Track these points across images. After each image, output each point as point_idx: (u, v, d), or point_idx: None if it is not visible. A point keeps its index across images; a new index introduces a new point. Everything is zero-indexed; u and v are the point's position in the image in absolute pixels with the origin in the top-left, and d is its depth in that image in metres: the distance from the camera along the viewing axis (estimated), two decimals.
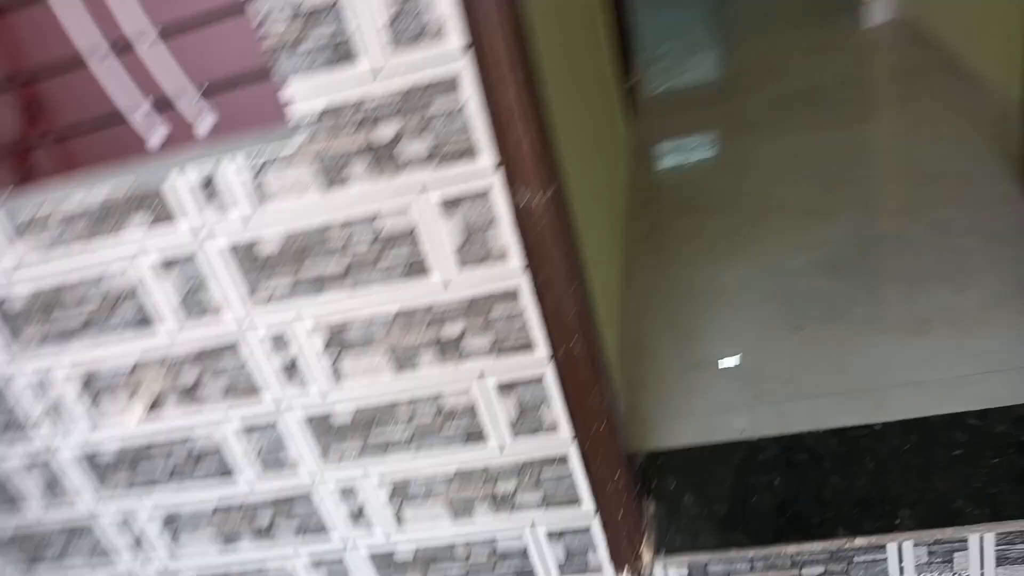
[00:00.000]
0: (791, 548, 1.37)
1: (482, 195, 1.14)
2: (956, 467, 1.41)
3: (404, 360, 1.27)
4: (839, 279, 2.01)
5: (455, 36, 1.03)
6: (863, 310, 1.88)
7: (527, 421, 1.32)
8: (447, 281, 1.21)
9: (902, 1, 3.54)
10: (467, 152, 1.11)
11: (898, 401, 1.59)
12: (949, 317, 1.79)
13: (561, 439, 1.33)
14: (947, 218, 2.11)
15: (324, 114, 1.10)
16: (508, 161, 1.11)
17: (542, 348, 1.26)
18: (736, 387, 1.76)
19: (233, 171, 1.15)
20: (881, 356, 1.73)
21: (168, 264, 1.23)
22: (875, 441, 1.51)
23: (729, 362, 1.84)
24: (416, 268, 1.20)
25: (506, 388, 1.30)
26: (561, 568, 1.44)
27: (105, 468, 1.44)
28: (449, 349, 1.26)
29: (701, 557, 1.41)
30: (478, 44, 1.04)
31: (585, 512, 1.38)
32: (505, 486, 1.37)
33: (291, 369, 1.29)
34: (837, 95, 3.02)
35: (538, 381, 1.28)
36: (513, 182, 1.13)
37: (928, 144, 2.49)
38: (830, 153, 2.60)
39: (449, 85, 1.06)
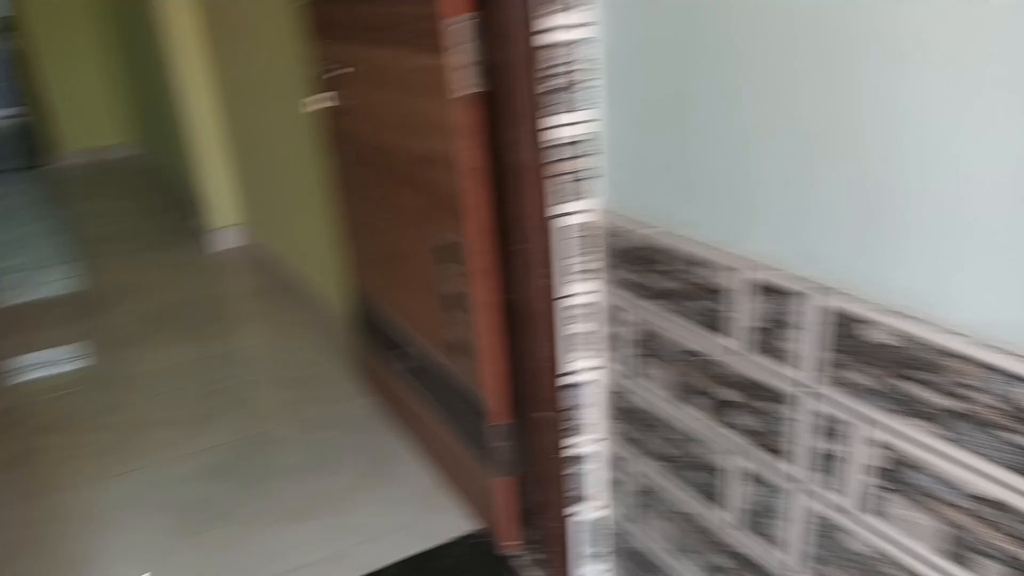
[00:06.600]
0: None
1: None
2: None
3: None
4: (224, 481, 2.16)
5: None
6: (249, 507, 2.04)
7: None
8: None
9: (246, 231, 4.08)
10: None
11: None
12: (322, 501, 2.04)
13: None
14: (310, 415, 2.45)
15: None
16: None
17: None
18: None
19: None
20: (271, 547, 1.89)
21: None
22: None
23: None
24: None
25: None
26: None
27: None
28: None
29: None
30: None
31: None
32: None
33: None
34: (198, 311, 3.35)
35: None
36: None
37: (285, 353, 2.89)
38: (202, 365, 2.84)
39: None
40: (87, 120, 6.45)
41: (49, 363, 2.93)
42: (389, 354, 2.22)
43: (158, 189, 5.40)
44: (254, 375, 2.76)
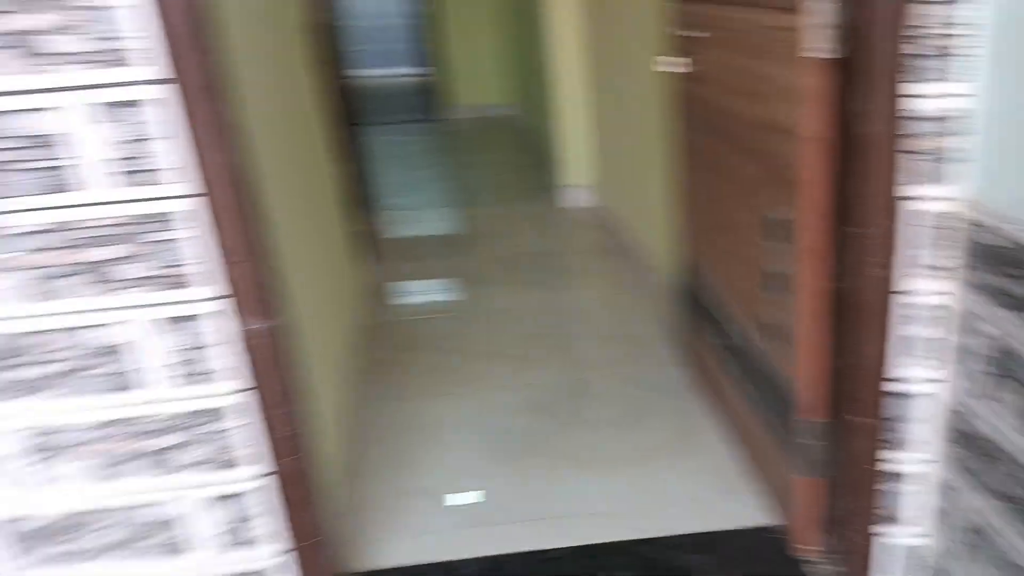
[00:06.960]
0: None
1: (204, 320, 1.28)
2: None
3: (111, 469, 1.35)
4: (541, 418, 2.30)
5: (181, 184, 1.19)
6: (559, 447, 2.15)
7: (240, 533, 1.43)
8: (158, 396, 1.31)
9: (594, 191, 4.20)
10: (192, 281, 1.26)
11: (585, 528, 1.83)
12: (625, 457, 2.08)
13: (274, 551, 1.45)
14: (626, 373, 2.51)
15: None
16: (237, 293, 1.27)
17: (259, 464, 1.39)
18: (447, 513, 1.93)
19: None
20: (574, 488, 1.98)
21: None
22: (561, 564, 1.73)
23: (446, 491, 2.00)
24: (123, 382, 1.30)
25: (219, 500, 1.41)
26: None
27: None
28: (161, 461, 1.36)
29: None
30: (210, 193, 1.20)
31: None
32: None
33: None
34: (544, 261, 3.60)
35: (246, 495, 1.40)
36: (240, 312, 1.28)
37: (611, 311, 3.03)
38: (537, 309, 3.05)
39: (172, 223, 1.22)
40: (476, 80, 7.23)
41: (421, 291, 3.40)
42: (708, 327, 2.18)
43: (526, 146, 5.88)
44: (582, 326, 2.91)
